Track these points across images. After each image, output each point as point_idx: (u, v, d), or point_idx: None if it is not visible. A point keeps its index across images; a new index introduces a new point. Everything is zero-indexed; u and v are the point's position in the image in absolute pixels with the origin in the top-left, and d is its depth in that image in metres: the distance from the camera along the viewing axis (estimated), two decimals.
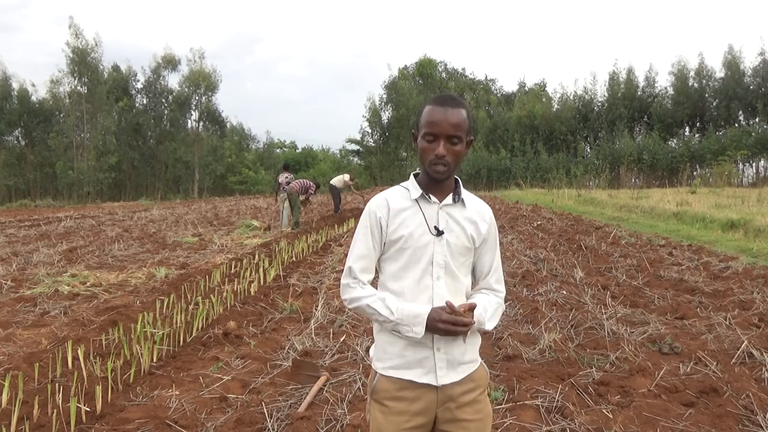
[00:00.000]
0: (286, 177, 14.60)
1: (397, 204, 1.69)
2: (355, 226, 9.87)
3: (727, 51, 37.28)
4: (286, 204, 14.09)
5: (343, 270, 1.74)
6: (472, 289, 1.78)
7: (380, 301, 1.64)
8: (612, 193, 23.26)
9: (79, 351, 3.93)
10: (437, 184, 1.69)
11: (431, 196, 1.68)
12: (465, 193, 1.74)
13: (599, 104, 42.74)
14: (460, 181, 1.74)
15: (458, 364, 1.68)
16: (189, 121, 45.69)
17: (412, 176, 1.74)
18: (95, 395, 3.42)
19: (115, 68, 42.38)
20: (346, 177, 17.27)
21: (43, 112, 38.36)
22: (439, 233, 1.65)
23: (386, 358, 1.69)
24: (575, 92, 44.12)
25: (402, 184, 1.75)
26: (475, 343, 1.74)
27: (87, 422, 3.26)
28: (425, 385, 1.66)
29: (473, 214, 1.72)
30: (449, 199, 1.69)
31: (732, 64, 36.64)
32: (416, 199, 1.69)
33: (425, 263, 1.65)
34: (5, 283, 7.22)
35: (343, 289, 1.71)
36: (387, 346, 1.70)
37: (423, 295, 1.66)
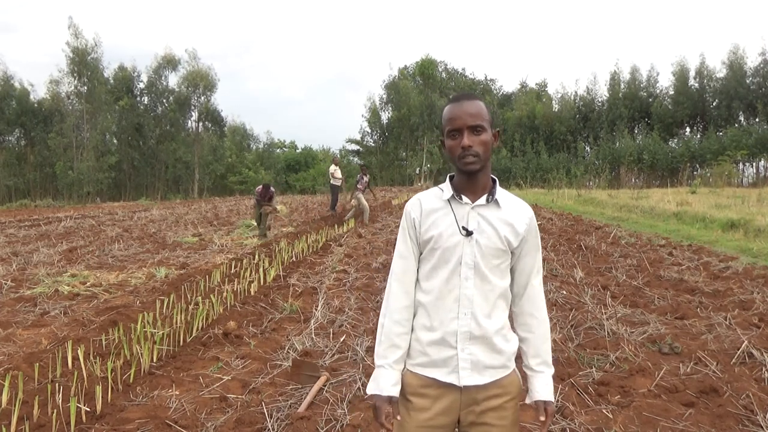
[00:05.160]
0: (360, 176, 15.41)
1: (429, 204, 1.71)
2: (355, 227, 9.90)
3: (732, 50, 37.27)
4: (353, 201, 14.91)
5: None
6: (512, 290, 1.75)
7: (380, 332, 1.72)
8: (612, 193, 23.26)
9: (79, 351, 3.93)
10: (471, 184, 1.68)
11: (463, 196, 1.68)
12: (501, 194, 1.71)
13: (599, 104, 42.78)
14: (497, 181, 1.73)
15: (485, 367, 1.66)
16: (189, 121, 45.72)
17: (448, 178, 1.75)
18: (95, 395, 3.42)
19: (122, 68, 42.40)
20: (332, 168, 17.49)
21: (42, 112, 38.37)
22: (469, 234, 1.65)
23: (414, 355, 1.72)
24: (576, 92, 44.21)
25: (440, 185, 1.76)
26: (507, 349, 1.70)
27: (87, 422, 3.26)
28: (448, 385, 1.66)
29: (510, 215, 1.69)
30: (482, 199, 1.68)
31: (735, 64, 36.63)
32: (448, 200, 1.69)
33: (454, 263, 1.65)
34: (5, 283, 7.22)
35: (386, 288, 1.78)
36: (415, 344, 1.72)
37: (450, 295, 1.66)
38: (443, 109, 1.71)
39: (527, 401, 1.75)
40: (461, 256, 1.65)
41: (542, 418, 1.70)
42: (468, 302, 1.64)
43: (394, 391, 1.67)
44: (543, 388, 1.71)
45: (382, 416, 1.64)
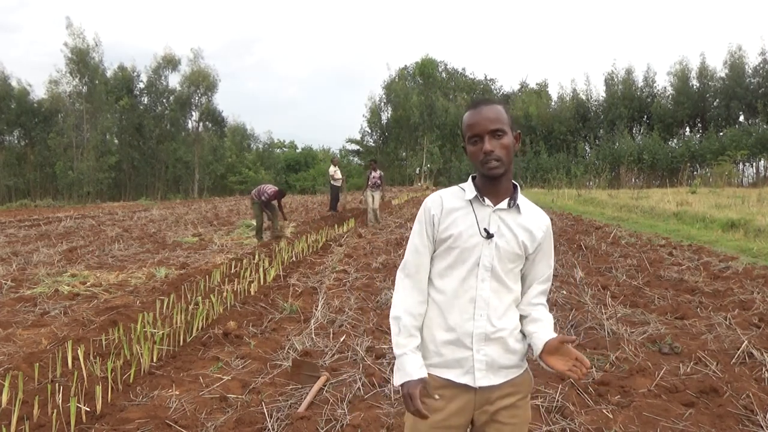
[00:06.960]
0: (368, 172, 14.40)
1: (450, 203, 1.72)
2: (355, 227, 9.88)
3: (734, 50, 37.24)
4: (370, 199, 13.84)
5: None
6: (522, 295, 1.75)
7: (396, 324, 1.70)
8: (612, 193, 23.27)
9: (79, 351, 3.93)
10: (494, 187, 1.68)
11: (485, 198, 1.68)
12: (522, 200, 1.72)
13: (597, 104, 42.81)
14: (519, 187, 1.74)
15: (500, 367, 1.67)
16: (189, 121, 45.73)
17: (470, 178, 1.75)
18: (95, 395, 3.42)
19: (121, 68, 42.39)
20: (331, 169, 17.38)
21: (42, 112, 38.36)
22: (489, 236, 1.65)
23: (428, 356, 1.71)
24: (574, 92, 44.20)
25: (460, 184, 1.76)
26: (521, 348, 1.72)
27: (87, 422, 3.26)
28: (463, 386, 1.66)
29: (528, 221, 1.71)
30: (504, 203, 1.69)
31: (735, 64, 36.62)
32: (470, 200, 1.70)
33: (471, 264, 1.66)
34: (5, 283, 7.22)
35: (396, 281, 1.78)
36: (428, 343, 1.72)
37: (466, 296, 1.67)
38: (463, 115, 1.72)
39: (536, 356, 1.69)
40: (479, 257, 1.65)
41: (567, 340, 1.62)
42: (484, 304, 1.65)
43: (423, 373, 1.65)
44: (547, 333, 1.67)
45: (417, 402, 1.59)
